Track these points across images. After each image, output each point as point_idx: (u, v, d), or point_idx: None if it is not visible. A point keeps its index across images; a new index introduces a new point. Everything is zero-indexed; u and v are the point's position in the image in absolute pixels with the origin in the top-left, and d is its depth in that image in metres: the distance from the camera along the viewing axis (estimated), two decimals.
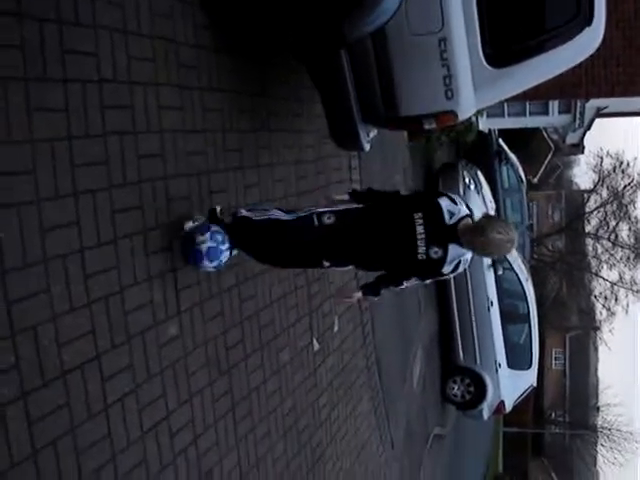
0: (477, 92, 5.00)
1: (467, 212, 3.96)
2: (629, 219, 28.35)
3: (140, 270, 3.75)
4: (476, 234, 3.81)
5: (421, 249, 3.90)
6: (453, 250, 3.91)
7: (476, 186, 12.57)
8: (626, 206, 28.31)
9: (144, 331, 3.75)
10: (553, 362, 42.22)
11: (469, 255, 3.99)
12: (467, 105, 5.03)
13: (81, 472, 3.24)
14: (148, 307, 3.81)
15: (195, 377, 4.26)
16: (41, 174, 3.08)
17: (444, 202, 3.94)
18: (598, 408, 42.49)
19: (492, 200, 13.04)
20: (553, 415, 42.29)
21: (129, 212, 3.68)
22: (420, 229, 3.89)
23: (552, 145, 26.15)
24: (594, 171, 30.31)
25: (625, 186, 28.53)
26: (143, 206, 3.80)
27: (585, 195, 32.03)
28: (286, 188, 5.75)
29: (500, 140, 16.08)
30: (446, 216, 3.91)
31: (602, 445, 40.00)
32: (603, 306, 30.76)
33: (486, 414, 13.48)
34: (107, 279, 3.47)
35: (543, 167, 28.51)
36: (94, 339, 3.36)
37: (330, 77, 4.99)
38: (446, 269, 3.97)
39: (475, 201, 12.26)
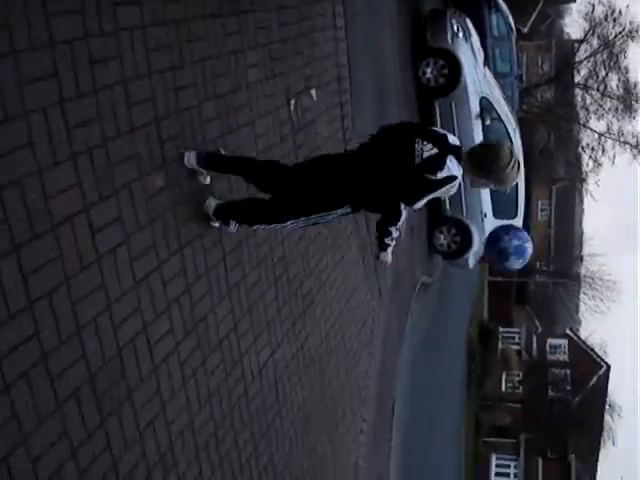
0: None
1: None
2: (619, 69, 27.84)
3: (122, 121, 3.70)
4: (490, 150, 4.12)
5: (417, 152, 4.03)
6: (450, 162, 4.02)
7: (465, 34, 12.19)
8: (616, 55, 27.73)
9: (131, 183, 3.74)
10: (539, 213, 42.82)
11: (458, 180, 4.09)
12: None
13: (78, 321, 3.33)
14: (133, 159, 3.79)
15: (185, 228, 4.30)
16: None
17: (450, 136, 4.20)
18: (582, 258, 43.53)
19: (481, 49, 12.71)
20: (538, 264, 43.33)
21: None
22: (419, 146, 4.04)
23: None
24: (585, 19, 29.49)
25: (616, 35, 27.85)
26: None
27: (575, 45, 31.29)
28: (268, 35, 5.58)
29: None
30: (450, 138, 4.15)
31: (584, 294, 41.31)
32: (590, 157, 30.76)
33: (472, 263, 13.77)
34: (89, 132, 3.43)
35: (533, 16, 27.72)
36: (81, 192, 3.37)
37: None
38: (440, 175, 4.01)
39: (464, 50, 11.96)
